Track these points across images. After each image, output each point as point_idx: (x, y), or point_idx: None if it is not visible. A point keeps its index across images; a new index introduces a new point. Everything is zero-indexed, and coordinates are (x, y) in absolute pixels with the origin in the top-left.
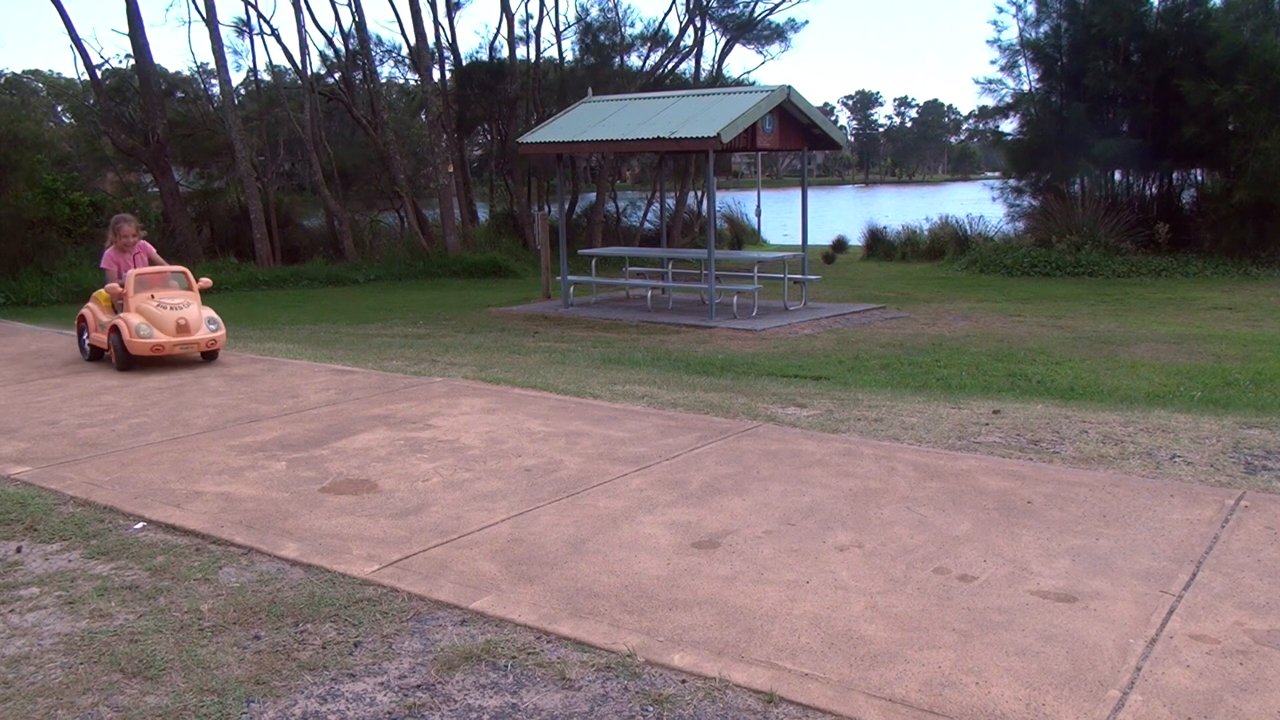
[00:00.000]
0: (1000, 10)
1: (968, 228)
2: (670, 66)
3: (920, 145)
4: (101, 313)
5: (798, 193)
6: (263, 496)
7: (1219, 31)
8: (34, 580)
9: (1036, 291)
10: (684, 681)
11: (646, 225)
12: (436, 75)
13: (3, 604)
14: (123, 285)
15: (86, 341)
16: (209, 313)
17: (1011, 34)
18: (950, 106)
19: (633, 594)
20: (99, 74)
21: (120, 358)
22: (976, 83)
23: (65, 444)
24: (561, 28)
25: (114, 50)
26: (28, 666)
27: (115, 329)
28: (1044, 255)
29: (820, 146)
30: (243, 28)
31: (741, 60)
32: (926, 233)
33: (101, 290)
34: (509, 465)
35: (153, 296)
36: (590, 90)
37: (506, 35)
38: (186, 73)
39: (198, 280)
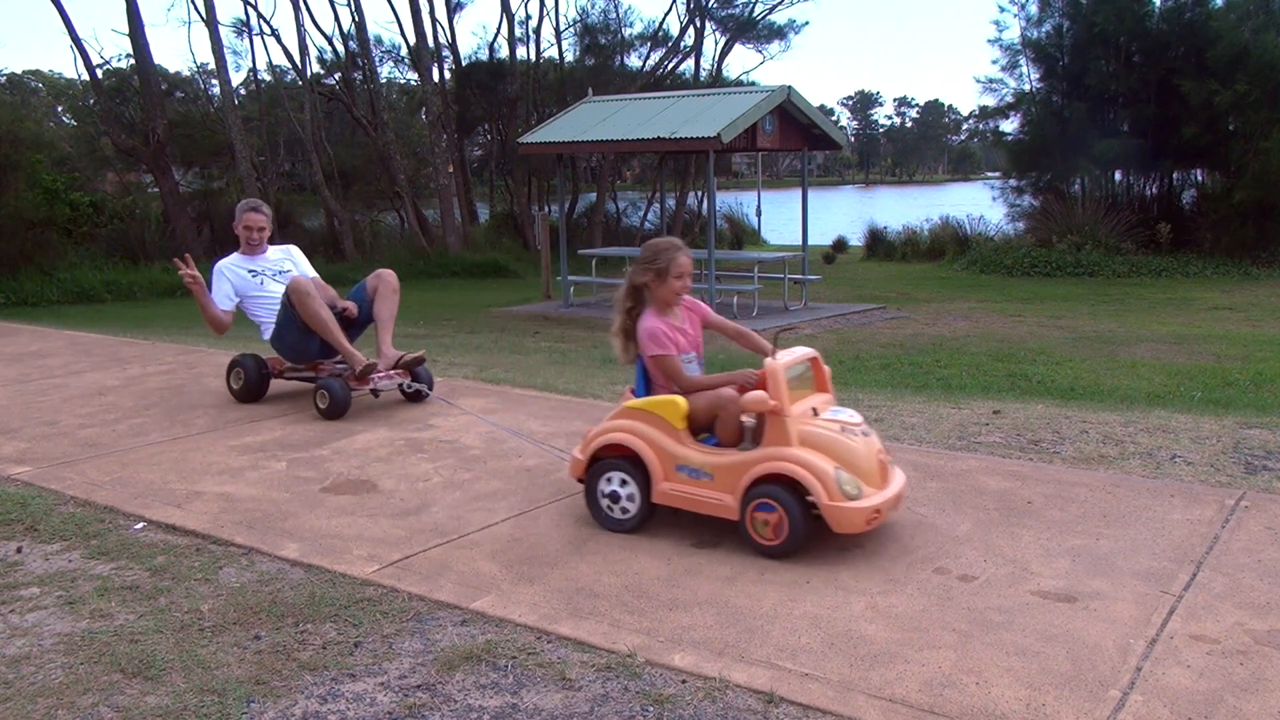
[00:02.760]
0: (1002, 10)
1: (968, 228)
2: (670, 67)
3: (920, 145)
4: (677, 441)
5: (798, 193)
6: (263, 496)
7: (1220, 31)
8: (34, 580)
9: (1037, 292)
10: (684, 681)
11: (647, 225)
12: (436, 75)
13: (3, 604)
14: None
15: (628, 503)
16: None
17: (1013, 33)
18: (950, 107)
19: (633, 594)
20: (99, 74)
21: (789, 534)
22: (978, 82)
23: (66, 444)
24: (561, 28)
25: (114, 50)
26: (28, 666)
27: (796, 483)
28: (1044, 255)
29: (820, 146)
30: (242, 28)
31: (741, 60)
32: (926, 233)
33: (655, 399)
34: (509, 465)
35: (814, 410)
36: (590, 90)
37: (506, 35)
38: (186, 73)
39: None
